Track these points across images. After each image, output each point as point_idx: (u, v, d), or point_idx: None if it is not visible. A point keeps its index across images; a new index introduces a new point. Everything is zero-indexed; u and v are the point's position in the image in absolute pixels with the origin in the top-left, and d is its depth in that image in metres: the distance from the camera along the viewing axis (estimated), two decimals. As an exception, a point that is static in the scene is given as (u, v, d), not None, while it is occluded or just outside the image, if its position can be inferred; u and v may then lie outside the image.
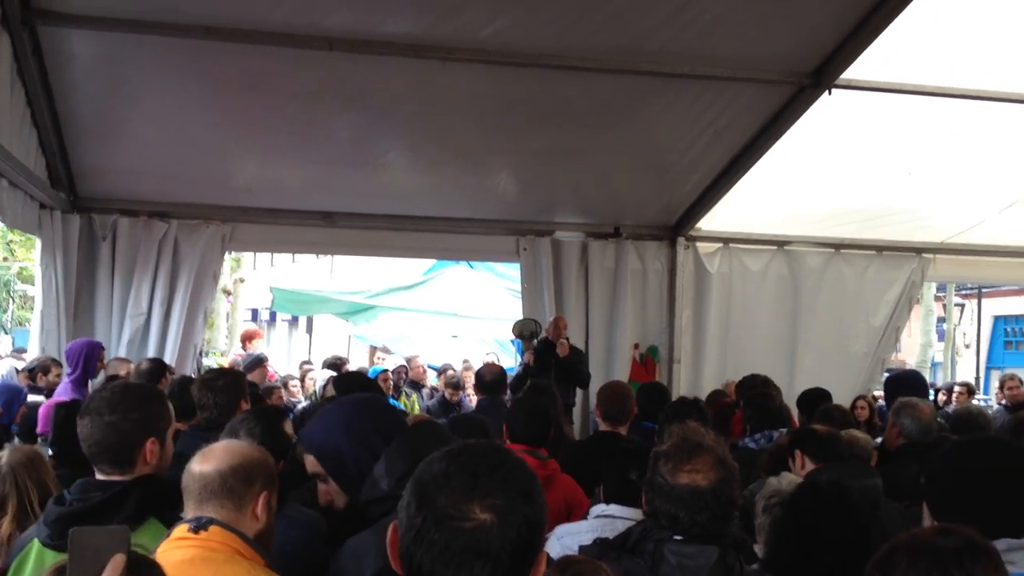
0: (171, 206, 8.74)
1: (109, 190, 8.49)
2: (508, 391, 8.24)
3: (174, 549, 2.45)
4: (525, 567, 1.68)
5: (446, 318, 16.50)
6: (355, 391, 4.98)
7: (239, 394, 4.93)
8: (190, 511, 2.59)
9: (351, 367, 12.32)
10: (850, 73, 6.81)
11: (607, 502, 3.52)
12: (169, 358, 8.40)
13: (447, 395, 11.75)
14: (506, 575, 1.64)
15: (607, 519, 3.41)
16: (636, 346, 9.72)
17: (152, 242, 8.64)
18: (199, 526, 2.49)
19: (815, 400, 7.34)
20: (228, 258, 19.17)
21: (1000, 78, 6.99)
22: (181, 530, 2.52)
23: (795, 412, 7.90)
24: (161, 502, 2.94)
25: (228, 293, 21.05)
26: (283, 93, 6.98)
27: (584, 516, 3.83)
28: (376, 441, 2.75)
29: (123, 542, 1.88)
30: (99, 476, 3.03)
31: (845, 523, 3.14)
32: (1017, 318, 28.96)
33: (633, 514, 3.39)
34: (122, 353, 8.28)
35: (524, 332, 9.17)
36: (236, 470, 2.64)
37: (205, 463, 2.65)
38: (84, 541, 1.86)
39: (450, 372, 12.61)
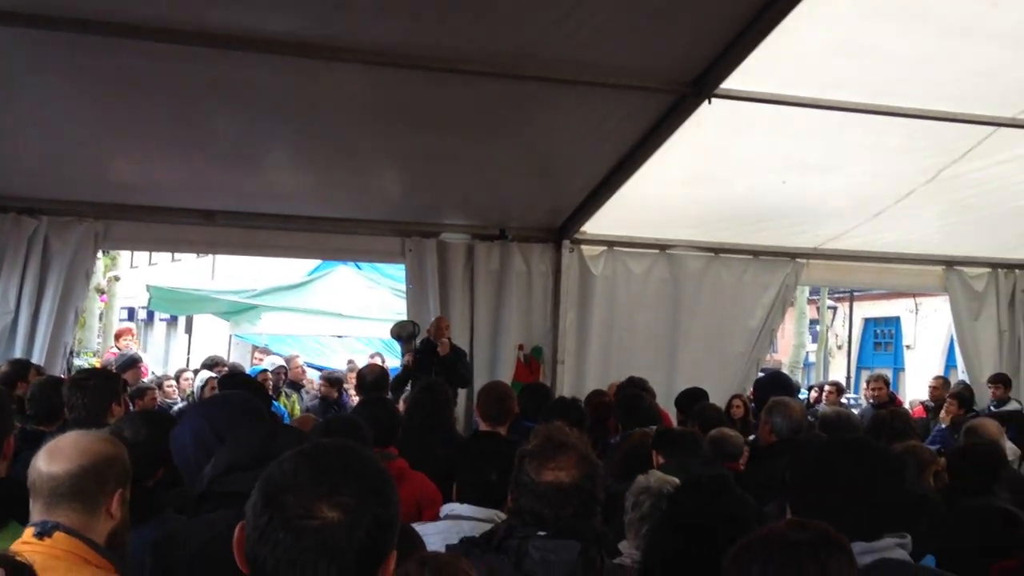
0: (42, 202, 8.43)
1: (-25, 185, 8.16)
2: (390, 392, 8.21)
3: None
4: (374, 567, 1.67)
5: (331, 319, 16.36)
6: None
7: (111, 395, 4.78)
8: (37, 512, 2.47)
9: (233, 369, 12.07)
10: (729, 83, 6.98)
11: (460, 501, 3.55)
12: (37, 358, 8.12)
13: (322, 391, 11.62)
14: (353, 575, 1.62)
15: (455, 520, 3.44)
16: (521, 347, 9.78)
17: (21, 239, 8.33)
18: (43, 532, 2.38)
19: (692, 399, 7.56)
20: (102, 256, 18.56)
21: (872, 91, 7.25)
22: (27, 534, 2.41)
23: (674, 411, 8.13)
24: (20, 504, 2.83)
25: (102, 292, 20.35)
26: (161, 89, 6.79)
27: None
28: (211, 440, 2.78)
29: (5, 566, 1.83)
30: None
31: (726, 518, 3.23)
32: (887, 320, 30.11)
33: (482, 514, 3.43)
34: (-12, 352, 7.96)
35: (402, 333, 9.16)
36: (87, 471, 2.49)
37: (53, 463, 2.50)
38: None
39: (328, 371, 12.49)
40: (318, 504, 1.61)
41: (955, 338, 11.72)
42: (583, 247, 9.91)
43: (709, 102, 7.09)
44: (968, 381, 11.20)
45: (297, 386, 12.57)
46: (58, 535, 2.38)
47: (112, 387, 4.89)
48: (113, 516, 2.54)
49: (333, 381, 11.68)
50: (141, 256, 33.96)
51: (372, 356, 14.89)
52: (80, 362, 14.24)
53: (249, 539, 1.64)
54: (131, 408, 6.52)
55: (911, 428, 6.16)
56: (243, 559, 1.67)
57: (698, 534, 3.18)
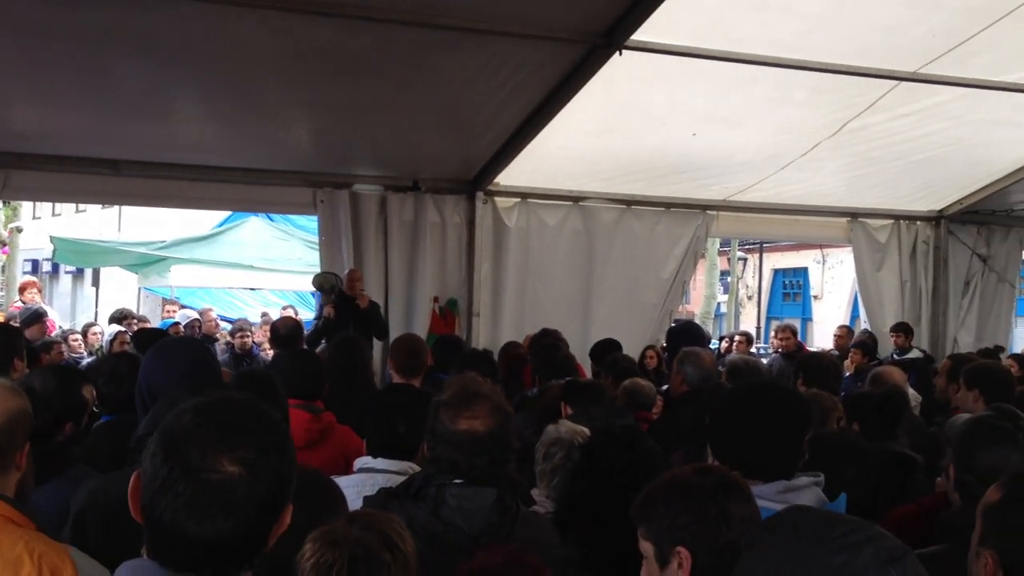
0: (-64, 151, 8.14)
1: None
2: (305, 345, 8.14)
3: None
4: (270, 521, 1.69)
5: (243, 271, 16.14)
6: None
7: (13, 351, 4.67)
8: None
9: (141, 322, 11.84)
10: (640, 35, 6.99)
11: (373, 455, 3.58)
12: (-65, 313, 7.88)
13: (235, 343, 11.46)
14: (249, 529, 1.64)
15: (368, 473, 3.47)
16: (436, 299, 9.77)
17: (-86, 189, 8.04)
18: None
19: (606, 350, 7.65)
20: (2, 206, 17.95)
21: (779, 45, 7.34)
22: None
23: (589, 362, 8.23)
24: None
25: (3, 244, 19.71)
26: (63, 36, 6.53)
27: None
28: (143, 392, 2.78)
29: None
30: None
31: (636, 466, 3.31)
32: (795, 271, 30.83)
33: (395, 466, 3.47)
34: None
35: (324, 285, 9.04)
36: (3, 431, 2.43)
37: None
38: None
39: (240, 321, 12.33)
40: (219, 458, 1.62)
41: (858, 288, 12.07)
42: (497, 199, 9.91)
43: (620, 54, 7.09)
44: (871, 330, 11.55)
45: (211, 340, 12.38)
46: None
47: (14, 342, 4.78)
48: (20, 468, 2.49)
49: (243, 330, 11.52)
50: (44, 207, 32.99)
51: (285, 308, 14.75)
52: (-20, 317, 13.81)
53: (147, 489, 1.64)
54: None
55: (839, 378, 6.30)
56: (138, 508, 1.68)
57: (611, 483, 3.26)
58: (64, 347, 9.57)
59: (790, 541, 1.72)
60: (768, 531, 1.83)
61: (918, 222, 11.70)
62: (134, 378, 4.29)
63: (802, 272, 30.12)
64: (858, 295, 12.35)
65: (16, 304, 12.30)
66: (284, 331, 7.84)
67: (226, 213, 17.42)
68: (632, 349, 8.76)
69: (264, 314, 15.18)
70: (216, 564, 1.65)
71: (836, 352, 11.88)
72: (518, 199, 9.99)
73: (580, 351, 8.33)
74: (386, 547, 2.13)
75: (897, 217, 11.55)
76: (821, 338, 22.98)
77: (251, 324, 12.40)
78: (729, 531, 2.22)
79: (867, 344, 10.90)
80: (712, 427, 2.99)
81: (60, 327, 12.25)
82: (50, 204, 31.61)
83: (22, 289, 12.03)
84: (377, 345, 9.01)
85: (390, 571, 2.12)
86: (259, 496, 1.63)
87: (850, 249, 12.01)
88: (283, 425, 1.77)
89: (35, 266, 32.54)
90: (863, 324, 12.14)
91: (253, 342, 11.73)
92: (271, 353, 9.61)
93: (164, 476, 1.62)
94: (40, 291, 12.84)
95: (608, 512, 3.14)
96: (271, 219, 16.96)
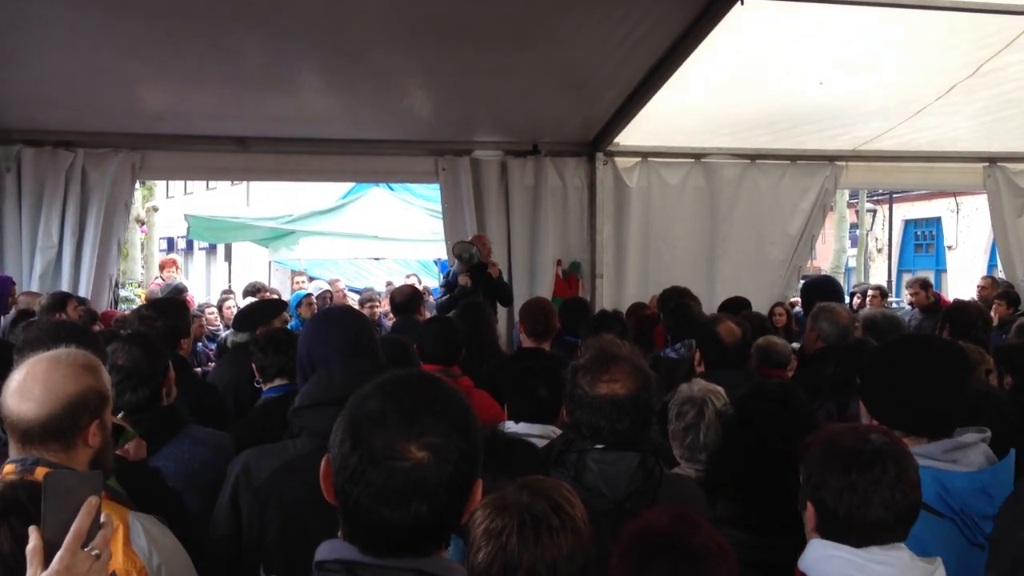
0: (77, 135, 8.50)
1: (10, 120, 8.21)
2: (425, 311, 8.24)
3: None
4: (463, 499, 1.72)
5: (367, 241, 16.42)
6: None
7: (179, 333, 4.88)
8: (15, 449, 2.42)
9: (272, 294, 12.17)
10: (763, -17, 6.81)
11: (515, 420, 3.59)
12: (84, 290, 8.26)
13: (364, 313, 11.64)
14: (444, 509, 1.68)
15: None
16: (559, 262, 9.78)
17: (59, 172, 8.41)
18: (24, 469, 2.33)
19: (734, 308, 7.46)
20: (139, 187, 18.69)
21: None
22: (8, 471, 2.37)
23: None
24: None
25: (141, 223, 20.52)
26: (187, 15, 6.72)
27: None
28: (303, 362, 2.83)
29: (97, 485, 1.86)
30: None
31: (790, 424, 3.23)
32: (927, 221, 29.67)
33: (538, 430, 3.49)
34: (35, 287, 8.09)
35: (464, 255, 9.06)
36: (57, 415, 2.40)
37: (23, 402, 2.40)
38: (58, 484, 1.83)
39: (368, 291, 12.56)
40: (407, 445, 1.65)
41: (994, 236, 11.51)
42: (617, 159, 9.82)
43: (742, 3, 6.90)
44: (1007, 279, 11.03)
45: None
46: (40, 470, 2.33)
47: (181, 321, 4.96)
48: (91, 445, 2.48)
49: (371, 300, 11.74)
50: (176, 186, 34.21)
51: (408, 277, 14.95)
52: (126, 293, 14.48)
53: (338, 477, 1.69)
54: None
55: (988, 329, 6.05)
56: (331, 492, 1.73)
57: (765, 441, 3.19)
58: (204, 320, 9.93)
59: None
60: None
61: (1064, 165, 11.08)
62: (291, 349, 4.43)
63: (935, 222, 28.93)
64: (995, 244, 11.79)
65: (156, 281, 12.82)
66: (400, 299, 7.94)
67: (349, 185, 17.74)
68: (759, 307, 8.57)
69: (389, 283, 15.43)
70: (412, 545, 1.69)
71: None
72: (638, 159, 9.88)
73: (706, 310, 8.18)
74: (554, 512, 2.16)
75: (1041, 160, 10.97)
76: (956, 289, 22.07)
77: (377, 294, 12.63)
78: (904, 497, 2.22)
79: (1011, 295, 10.41)
80: (868, 385, 2.88)
81: (196, 302, 12.73)
82: (182, 183, 32.75)
83: (162, 267, 12.54)
84: (501, 310, 9.06)
85: (558, 536, 2.15)
86: (448, 478, 1.66)
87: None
88: (465, 403, 1.78)
89: (170, 244, 33.79)
90: (1000, 274, 11.59)
91: (381, 312, 11.93)
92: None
93: (354, 465, 1.65)
94: (178, 268, 13.35)
95: (763, 470, 3.08)
96: (392, 189, 17.20)
